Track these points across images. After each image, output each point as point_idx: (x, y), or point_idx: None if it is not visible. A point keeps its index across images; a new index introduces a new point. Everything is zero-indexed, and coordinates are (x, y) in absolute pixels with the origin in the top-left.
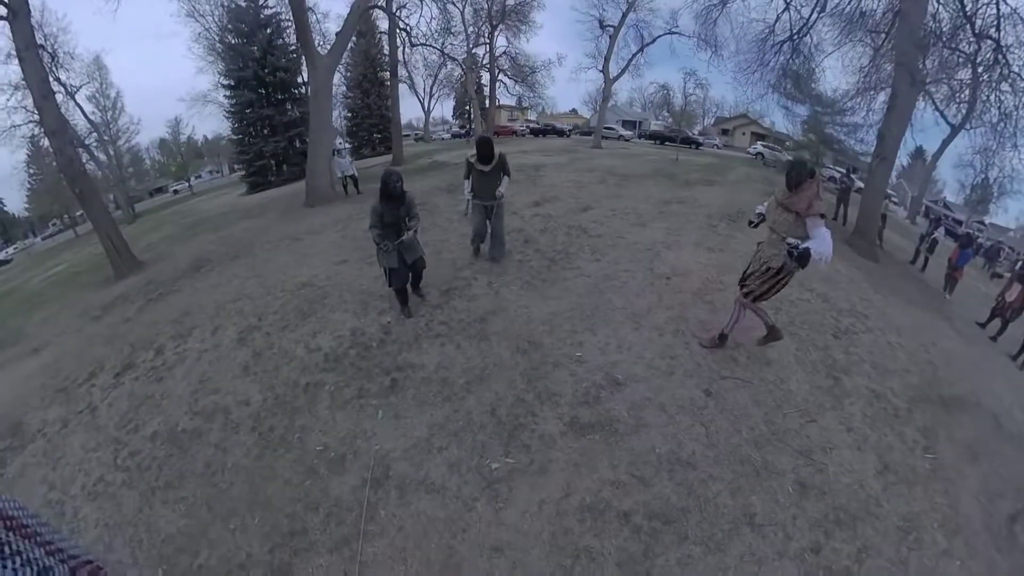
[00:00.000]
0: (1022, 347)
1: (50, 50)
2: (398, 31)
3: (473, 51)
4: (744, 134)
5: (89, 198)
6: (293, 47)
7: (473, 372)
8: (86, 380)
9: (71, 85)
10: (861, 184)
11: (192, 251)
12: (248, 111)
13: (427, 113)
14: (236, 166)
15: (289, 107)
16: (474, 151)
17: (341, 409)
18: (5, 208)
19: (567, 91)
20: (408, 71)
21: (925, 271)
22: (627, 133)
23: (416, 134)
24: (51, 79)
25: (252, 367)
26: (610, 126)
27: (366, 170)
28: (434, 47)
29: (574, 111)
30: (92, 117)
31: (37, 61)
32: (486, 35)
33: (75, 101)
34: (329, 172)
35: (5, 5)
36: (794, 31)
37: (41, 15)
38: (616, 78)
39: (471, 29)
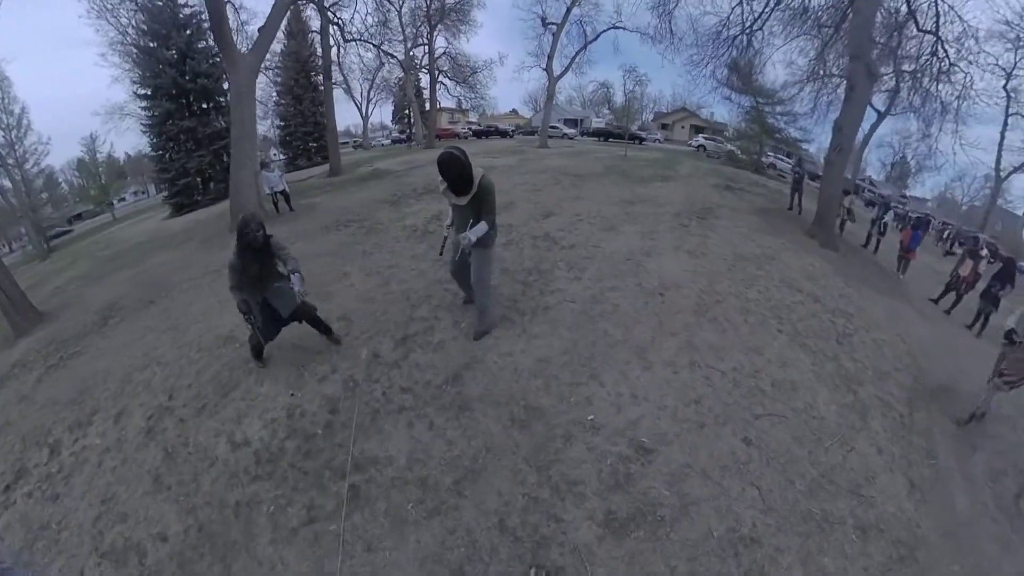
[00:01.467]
0: (976, 316)
1: None
2: (331, 28)
3: (412, 52)
4: (683, 127)
5: None
6: (217, 50)
7: (460, 464)
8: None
9: None
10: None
11: (103, 295)
12: (168, 123)
13: (365, 119)
14: (160, 186)
15: (214, 117)
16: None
17: (288, 543)
18: None
19: (509, 91)
20: (344, 74)
21: (877, 253)
22: (571, 131)
23: (355, 141)
24: None
25: (165, 477)
26: (554, 125)
27: (300, 183)
28: (370, 43)
29: (514, 111)
30: None
31: None
32: (424, 36)
33: None
34: (256, 188)
35: None
36: (747, 25)
37: None
38: (560, 76)
39: (409, 30)
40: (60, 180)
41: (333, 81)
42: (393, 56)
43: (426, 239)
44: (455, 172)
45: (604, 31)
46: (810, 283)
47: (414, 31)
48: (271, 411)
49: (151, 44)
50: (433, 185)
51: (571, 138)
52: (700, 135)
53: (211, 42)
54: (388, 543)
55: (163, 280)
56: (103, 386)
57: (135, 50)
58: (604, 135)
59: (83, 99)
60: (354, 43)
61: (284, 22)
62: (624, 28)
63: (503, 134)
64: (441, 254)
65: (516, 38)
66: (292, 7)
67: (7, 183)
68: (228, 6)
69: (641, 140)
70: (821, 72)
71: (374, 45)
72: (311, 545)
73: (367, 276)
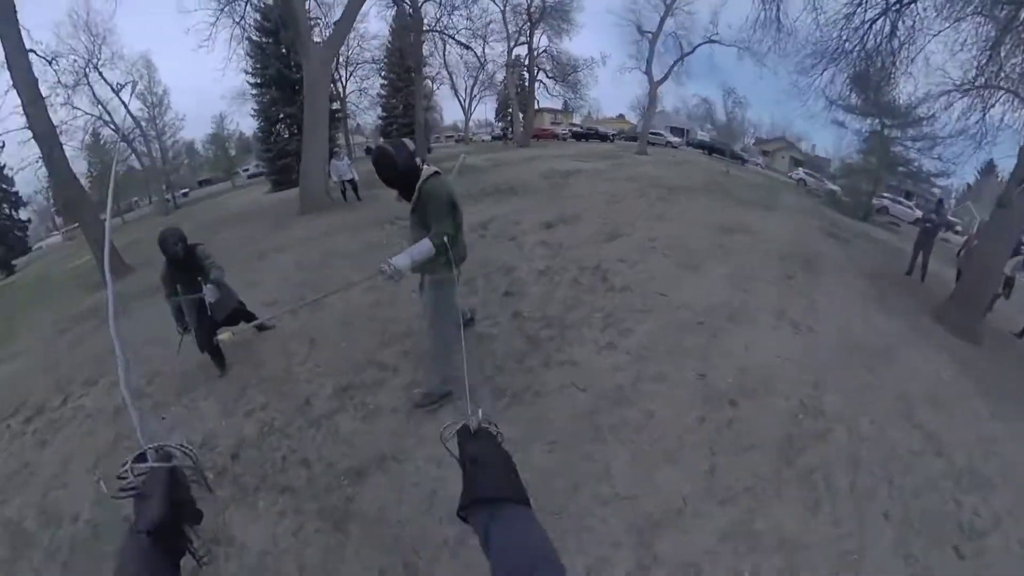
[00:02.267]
0: None
1: (92, 50)
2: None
3: (514, 51)
4: (783, 158)
5: (76, 203)
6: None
7: None
8: (9, 415)
9: (116, 83)
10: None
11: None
12: (272, 109)
13: (467, 114)
14: (265, 164)
15: None
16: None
17: None
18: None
19: (612, 94)
20: (448, 71)
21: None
22: (675, 140)
23: (458, 135)
24: (94, 75)
25: (104, 461)
26: (658, 131)
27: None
28: (452, 37)
29: (621, 116)
30: (139, 113)
31: (24, 67)
32: (526, 34)
33: (120, 98)
34: (324, 175)
35: None
36: (891, 2)
37: (87, 16)
38: (660, 82)
39: (511, 28)
40: (199, 150)
41: (439, 78)
42: (469, 47)
43: None
44: (385, 172)
45: (700, 45)
46: (934, 413)
47: (516, 29)
48: (197, 429)
49: (262, 39)
50: (502, 185)
51: (675, 146)
52: (800, 168)
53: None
54: None
55: (218, 257)
56: (112, 356)
57: (249, 44)
58: (708, 148)
59: (215, 83)
60: (454, 42)
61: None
62: (719, 42)
63: (603, 137)
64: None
65: (618, 39)
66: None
67: (142, 149)
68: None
69: (743, 160)
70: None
71: (455, 39)
72: None
73: (368, 289)
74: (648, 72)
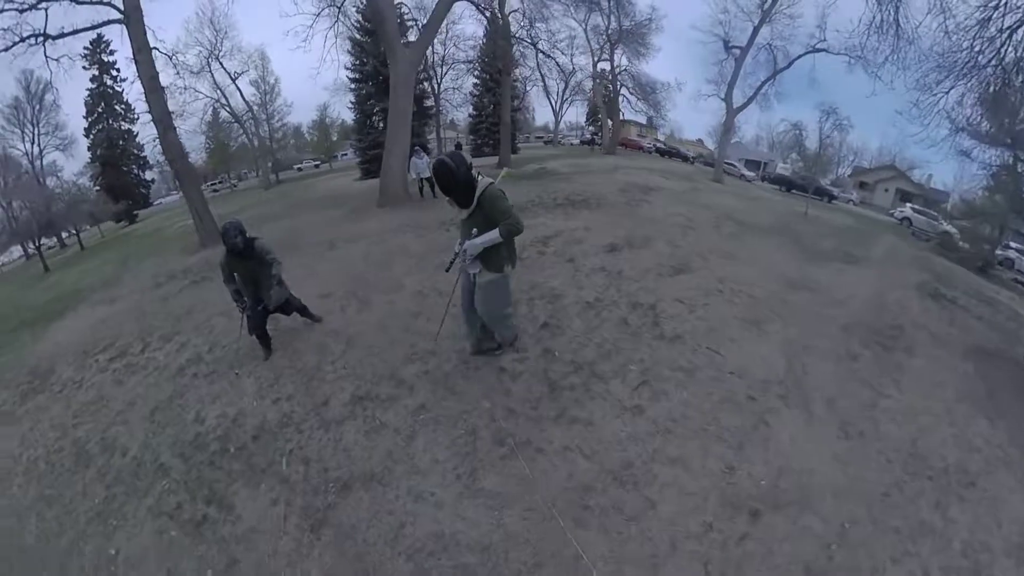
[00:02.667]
0: None
1: (209, 45)
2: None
3: (598, 65)
4: (887, 190)
5: (184, 175)
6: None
7: None
8: (100, 351)
9: (234, 72)
10: None
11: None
12: (368, 103)
13: (557, 117)
14: (350, 152)
15: None
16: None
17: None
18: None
19: (688, 119)
20: (541, 74)
21: None
22: (749, 174)
23: (547, 137)
24: (216, 65)
25: (158, 414)
26: (731, 162)
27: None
28: (527, 42)
29: (700, 141)
30: (252, 98)
31: (149, 61)
32: (607, 52)
33: (236, 84)
34: (403, 171)
35: (119, 11)
36: None
37: (211, 12)
38: (741, 108)
39: (594, 44)
40: (305, 134)
41: (532, 79)
42: (550, 56)
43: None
44: (444, 182)
45: (800, 56)
46: None
47: (599, 47)
48: (234, 404)
49: (363, 38)
50: (576, 196)
51: (748, 180)
52: (908, 204)
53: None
54: None
55: (297, 239)
56: (189, 318)
57: (350, 41)
58: (786, 184)
59: (318, 76)
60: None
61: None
62: (827, 50)
63: (684, 158)
64: (447, 270)
65: (696, 64)
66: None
67: (253, 130)
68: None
69: (831, 197)
70: None
71: (537, 48)
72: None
73: (415, 295)
74: (727, 98)
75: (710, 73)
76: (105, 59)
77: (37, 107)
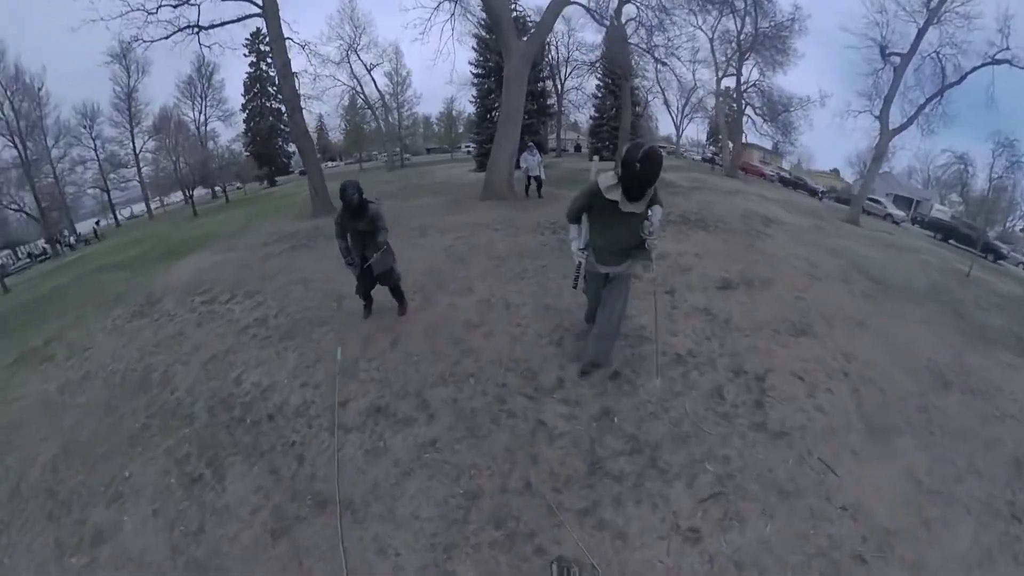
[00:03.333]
0: None
1: (349, 39)
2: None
3: (722, 82)
4: None
5: (306, 153)
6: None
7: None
8: (198, 293)
9: (369, 63)
10: None
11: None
12: (488, 98)
13: (679, 131)
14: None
15: (527, 100)
16: (611, 173)
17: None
18: (329, 137)
19: (828, 143)
20: (661, 88)
21: None
22: (898, 213)
23: (669, 148)
24: (354, 57)
25: (209, 365)
26: (876, 198)
27: (580, 171)
28: (642, 48)
29: (835, 171)
30: (384, 88)
31: (282, 50)
32: (735, 65)
33: (371, 75)
34: (510, 167)
35: (258, 6)
36: None
37: (352, 11)
38: (898, 130)
39: (720, 57)
40: (434, 123)
41: (652, 91)
42: (665, 63)
43: None
44: (655, 171)
45: (975, 69)
46: None
47: (725, 59)
48: (270, 375)
49: (488, 35)
50: (693, 214)
51: (896, 222)
52: None
53: None
54: None
55: (397, 221)
56: (275, 280)
57: (475, 38)
58: (945, 232)
59: (442, 70)
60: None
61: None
62: (1010, 62)
63: (812, 192)
64: (575, 286)
65: (841, 73)
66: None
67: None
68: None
69: (998, 256)
70: None
71: (653, 56)
72: None
73: (480, 303)
74: (883, 116)
75: (861, 85)
76: (262, 48)
77: (206, 84)
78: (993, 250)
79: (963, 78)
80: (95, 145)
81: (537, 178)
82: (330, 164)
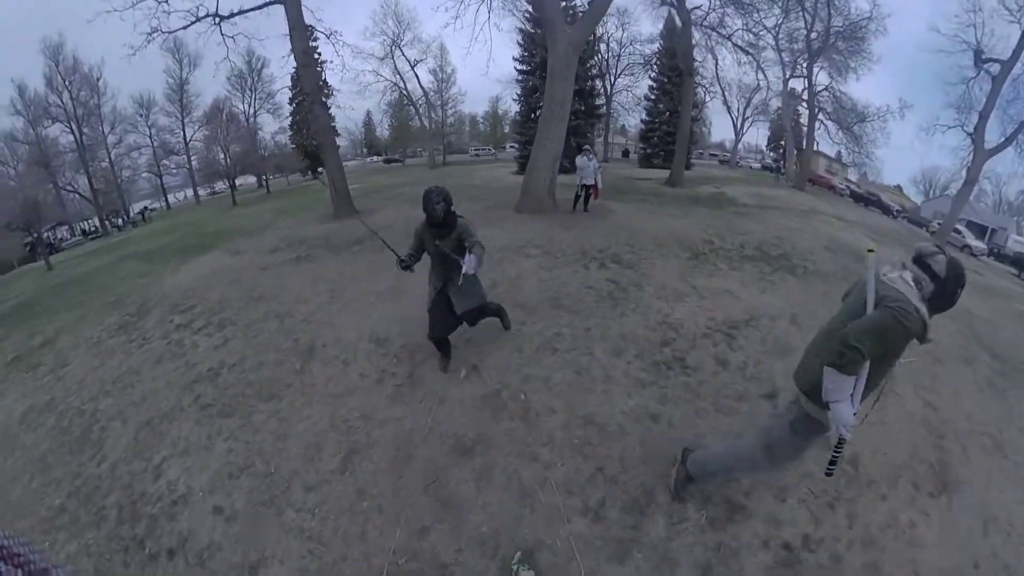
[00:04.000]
0: None
1: (392, 35)
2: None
3: (790, 82)
4: None
5: (326, 148)
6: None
7: None
8: (180, 311)
9: (413, 59)
10: None
11: (388, 218)
12: (533, 96)
13: (737, 136)
14: (513, 145)
15: (575, 100)
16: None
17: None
18: (376, 132)
19: (893, 157)
20: (721, 87)
21: None
22: (978, 245)
23: (723, 156)
24: (398, 53)
25: (139, 434)
26: (955, 227)
27: (633, 181)
28: (718, 32)
29: (899, 188)
30: (429, 86)
31: (302, 38)
32: (803, 66)
33: (414, 71)
34: (551, 172)
35: None
36: None
37: (396, 4)
38: (995, 150)
39: (786, 55)
40: (480, 122)
41: (711, 91)
42: (748, 52)
43: (671, 367)
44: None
45: None
46: None
47: (791, 58)
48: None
49: (534, 29)
50: (771, 245)
51: (974, 254)
52: None
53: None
54: None
55: (407, 231)
56: (259, 305)
57: (520, 34)
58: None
59: (493, 67)
60: (730, 45)
61: (661, 22)
62: None
63: (886, 210)
64: (830, 473)
65: (925, 83)
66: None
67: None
68: None
69: None
70: None
71: (731, 41)
72: None
73: (483, 402)
74: (977, 133)
75: (950, 95)
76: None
77: (256, 78)
78: None
79: None
80: (150, 133)
81: (590, 188)
82: (375, 159)
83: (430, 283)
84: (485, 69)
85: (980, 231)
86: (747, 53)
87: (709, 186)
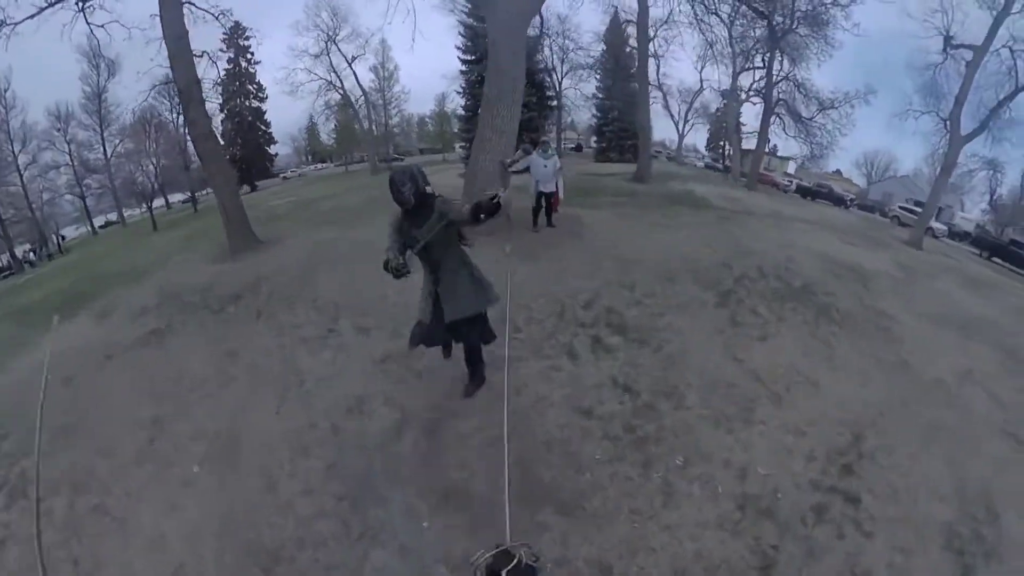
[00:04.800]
0: None
1: (327, 29)
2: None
3: (739, 77)
4: None
5: (210, 161)
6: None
7: None
8: None
9: (350, 55)
10: None
11: (283, 260)
12: (478, 87)
13: (680, 136)
14: (460, 144)
15: (527, 88)
16: None
17: None
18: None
19: (862, 145)
20: (662, 92)
21: None
22: (939, 226)
23: (668, 153)
24: (332, 47)
25: None
26: (911, 208)
27: (598, 177)
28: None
29: (838, 172)
30: (370, 85)
31: (178, 21)
32: (763, 56)
33: (352, 68)
34: (502, 179)
35: None
36: None
37: None
38: (971, 136)
39: (738, 48)
40: (428, 123)
41: (651, 95)
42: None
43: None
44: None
45: None
46: None
47: (743, 51)
48: None
49: (476, 22)
50: (786, 274)
51: (936, 236)
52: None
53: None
54: None
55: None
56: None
57: (462, 25)
58: (991, 249)
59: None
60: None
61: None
62: None
63: (838, 201)
64: None
65: (890, 72)
66: None
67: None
68: None
69: None
70: None
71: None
72: None
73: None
74: (952, 119)
75: (915, 82)
76: (241, 43)
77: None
78: None
79: None
80: (69, 149)
81: (551, 196)
82: (320, 166)
83: (423, 292)
84: (410, 44)
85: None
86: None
87: (674, 182)
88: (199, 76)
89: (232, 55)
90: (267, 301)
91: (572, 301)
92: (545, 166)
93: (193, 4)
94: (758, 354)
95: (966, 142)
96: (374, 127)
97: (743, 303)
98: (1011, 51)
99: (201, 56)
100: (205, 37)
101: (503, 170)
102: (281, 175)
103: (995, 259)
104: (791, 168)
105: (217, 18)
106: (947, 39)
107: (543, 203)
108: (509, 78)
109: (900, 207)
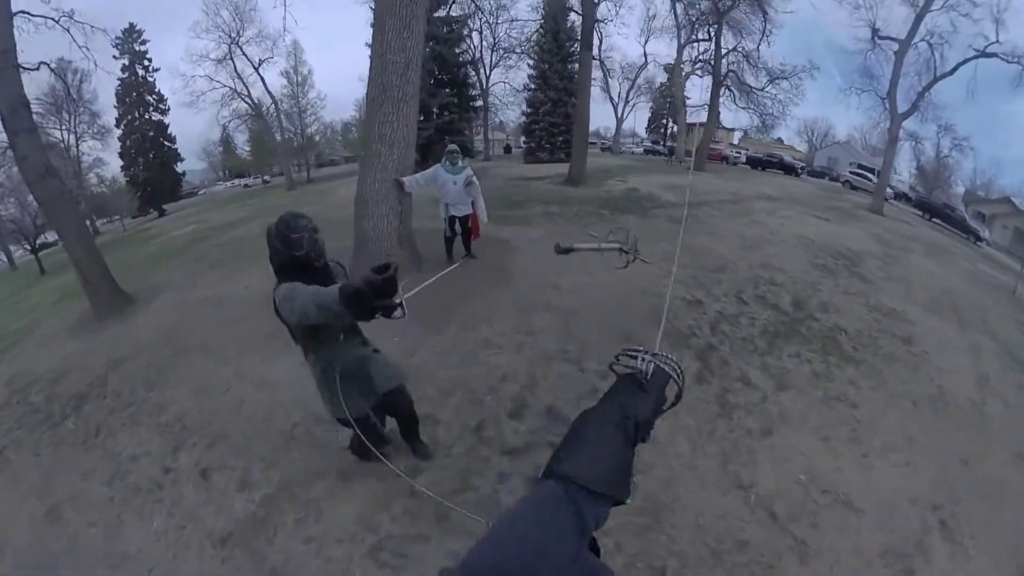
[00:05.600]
0: None
1: (229, 31)
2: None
3: (684, 49)
4: (1006, 227)
5: (52, 205)
6: (456, 17)
7: None
8: None
9: (257, 59)
10: None
11: (166, 322)
12: None
13: (619, 121)
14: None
15: (446, 86)
16: None
17: None
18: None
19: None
20: (604, 71)
21: None
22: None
23: (603, 143)
24: (236, 50)
25: None
26: (862, 172)
27: (526, 182)
28: None
29: (779, 140)
30: (283, 91)
31: (5, 22)
32: (708, 29)
33: (259, 73)
34: (395, 214)
35: None
36: None
37: None
38: (906, 115)
39: (682, 20)
40: (351, 130)
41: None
42: None
43: None
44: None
45: (964, 62)
46: None
47: (689, 23)
48: None
49: None
50: (768, 290)
51: (886, 198)
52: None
53: (451, 11)
54: None
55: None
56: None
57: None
58: (931, 212)
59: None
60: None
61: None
62: (997, 55)
63: (788, 169)
64: None
65: (827, 52)
66: None
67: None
68: None
69: (979, 238)
70: None
71: None
72: None
73: None
74: (890, 99)
75: (857, 62)
76: (137, 48)
77: (76, 95)
78: (972, 232)
79: (954, 70)
80: None
81: (467, 220)
82: (237, 182)
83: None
84: (323, 41)
85: (872, 174)
86: None
87: (612, 180)
88: (32, 95)
89: (127, 62)
90: (110, 411)
91: (495, 400)
92: (454, 183)
93: (29, 13)
94: (765, 468)
95: (904, 119)
96: (293, 138)
97: (728, 365)
98: (929, 44)
99: (37, 68)
100: (98, 45)
101: (399, 192)
102: (201, 191)
103: (935, 220)
104: (735, 139)
105: (58, 22)
106: (874, 31)
107: (457, 229)
108: (398, 67)
109: (851, 172)
